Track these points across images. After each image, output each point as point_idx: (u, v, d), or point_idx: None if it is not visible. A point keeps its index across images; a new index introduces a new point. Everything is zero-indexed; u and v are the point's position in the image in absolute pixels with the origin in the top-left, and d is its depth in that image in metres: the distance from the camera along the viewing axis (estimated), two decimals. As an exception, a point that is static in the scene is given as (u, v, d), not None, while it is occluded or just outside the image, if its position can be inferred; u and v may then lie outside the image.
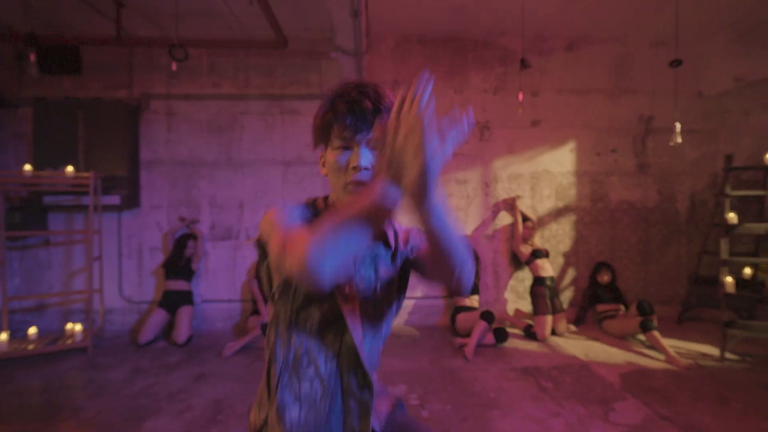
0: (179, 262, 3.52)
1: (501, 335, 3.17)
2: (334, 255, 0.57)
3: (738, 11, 3.29)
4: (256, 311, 3.42)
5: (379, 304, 0.82)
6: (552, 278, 3.58)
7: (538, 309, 3.44)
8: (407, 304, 3.78)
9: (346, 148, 0.75)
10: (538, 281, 3.54)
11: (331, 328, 0.78)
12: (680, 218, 3.94)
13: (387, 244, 0.86)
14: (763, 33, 3.32)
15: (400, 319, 3.77)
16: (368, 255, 0.83)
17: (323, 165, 0.82)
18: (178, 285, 3.49)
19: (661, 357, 2.96)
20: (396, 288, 0.87)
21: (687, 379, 2.60)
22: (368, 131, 0.73)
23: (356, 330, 0.77)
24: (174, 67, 2.63)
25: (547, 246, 3.84)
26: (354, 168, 0.73)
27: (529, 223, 3.71)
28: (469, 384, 2.53)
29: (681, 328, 3.67)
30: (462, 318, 3.33)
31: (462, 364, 2.85)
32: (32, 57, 2.81)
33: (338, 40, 2.70)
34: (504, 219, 3.86)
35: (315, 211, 0.84)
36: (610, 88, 3.87)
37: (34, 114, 3.40)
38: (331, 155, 0.76)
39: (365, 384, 0.77)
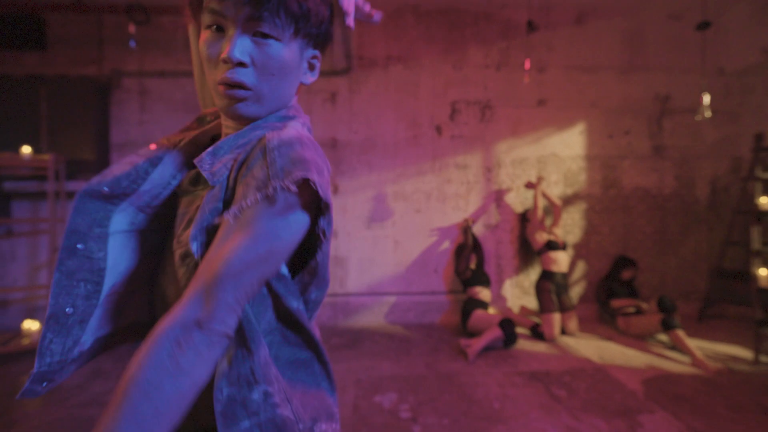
0: None
1: (511, 339, 2.82)
2: None
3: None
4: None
5: None
6: (563, 274, 3.23)
7: (543, 306, 3.11)
8: (399, 300, 3.46)
9: (219, 28, 0.49)
10: (545, 275, 3.21)
11: None
12: (700, 206, 3.61)
13: None
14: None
15: (392, 316, 3.45)
16: None
17: None
18: None
19: (687, 360, 2.63)
20: None
21: (719, 386, 2.27)
22: (249, 5, 0.46)
23: None
24: (132, 29, 2.32)
25: (555, 237, 3.51)
26: (224, 61, 0.47)
27: (539, 211, 3.32)
28: (469, 391, 2.21)
29: (702, 326, 3.33)
30: (479, 317, 2.99)
31: (462, 368, 2.53)
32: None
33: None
34: (512, 205, 3.53)
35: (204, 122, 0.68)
36: (621, 64, 3.54)
37: (-8, 92, 3.11)
38: (202, 36, 0.51)
39: None
